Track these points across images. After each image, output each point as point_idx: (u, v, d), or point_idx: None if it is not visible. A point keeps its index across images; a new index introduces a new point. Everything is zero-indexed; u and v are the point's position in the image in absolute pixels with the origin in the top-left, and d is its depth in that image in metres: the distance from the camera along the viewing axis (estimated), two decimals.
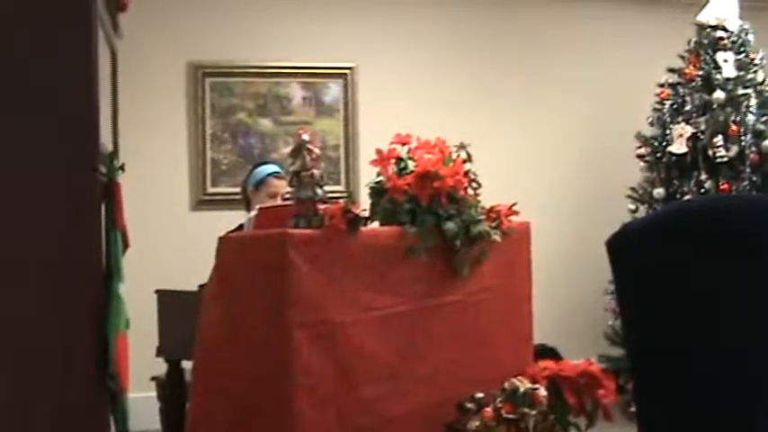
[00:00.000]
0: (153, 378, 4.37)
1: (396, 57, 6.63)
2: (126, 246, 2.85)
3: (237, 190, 5.23)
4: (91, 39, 2.49)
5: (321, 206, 3.04)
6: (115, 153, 2.99)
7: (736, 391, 2.35)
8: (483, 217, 3.44)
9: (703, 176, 5.87)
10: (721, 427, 2.38)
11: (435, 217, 3.25)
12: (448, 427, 3.16)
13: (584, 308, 6.64)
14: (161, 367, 4.17)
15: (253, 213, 3.55)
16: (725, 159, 5.81)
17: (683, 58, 6.26)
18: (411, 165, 3.29)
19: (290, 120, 6.37)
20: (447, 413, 3.18)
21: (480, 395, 3.21)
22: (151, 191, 5.87)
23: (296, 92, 6.42)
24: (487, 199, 3.53)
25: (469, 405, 3.17)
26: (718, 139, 5.82)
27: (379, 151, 3.33)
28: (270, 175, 4.70)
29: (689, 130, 5.96)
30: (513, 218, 3.59)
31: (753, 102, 5.97)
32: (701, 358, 2.38)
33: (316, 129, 6.28)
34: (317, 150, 3.14)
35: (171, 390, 4.15)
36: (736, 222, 2.40)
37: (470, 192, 3.44)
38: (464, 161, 3.40)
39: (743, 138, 5.84)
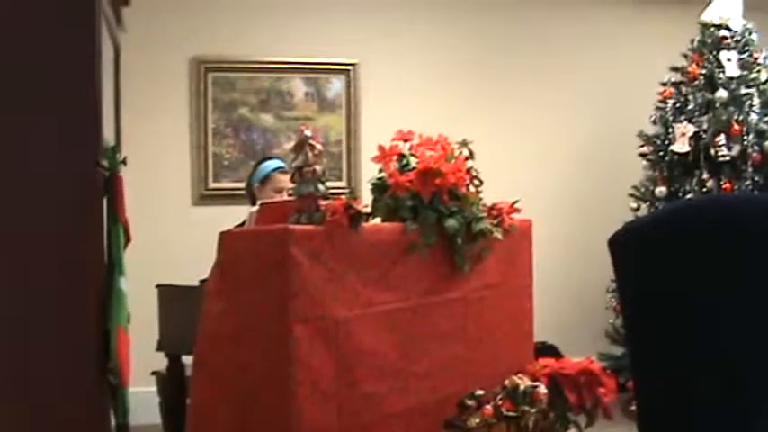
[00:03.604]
0: (153, 372, 4.37)
1: (398, 53, 6.63)
2: (128, 240, 2.86)
3: (239, 185, 5.23)
4: (94, 32, 2.49)
5: (323, 202, 3.04)
6: (117, 147, 3.00)
7: (735, 394, 2.35)
8: (485, 214, 3.44)
9: (705, 176, 5.86)
10: (723, 426, 2.38)
11: (437, 214, 3.25)
12: (448, 423, 3.16)
13: (585, 306, 6.64)
14: (161, 362, 4.17)
15: (254, 209, 3.55)
16: (727, 159, 5.80)
17: (686, 56, 6.24)
18: (413, 161, 3.29)
19: (293, 115, 6.37)
20: (447, 410, 3.18)
21: (481, 392, 3.20)
22: (153, 185, 5.87)
23: (298, 87, 6.42)
24: (489, 197, 3.53)
25: (470, 402, 3.17)
26: (721, 139, 5.81)
27: (381, 147, 3.33)
28: (274, 170, 4.72)
29: (691, 129, 5.95)
30: (514, 215, 3.60)
31: (755, 101, 5.95)
32: (699, 359, 2.38)
33: (318, 124, 6.28)
34: (319, 146, 3.14)
35: (171, 384, 4.15)
36: (737, 222, 2.40)
37: (472, 189, 3.44)
38: (466, 158, 3.40)
39: (745, 137, 5.83)
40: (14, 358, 2.28)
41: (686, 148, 5.96)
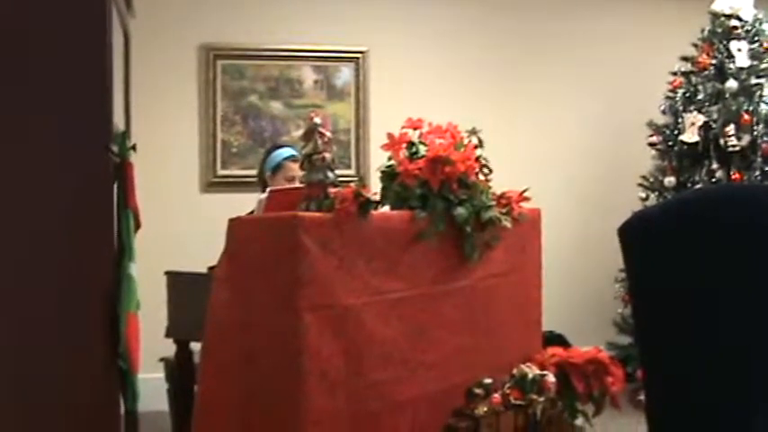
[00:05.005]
0: (161, 359, 4.38)
1: (407, 41, 6.62)
2: (137, 226, 2.86)
3: (248, 172, 5.23)
4: (105, 19, 2.49)
5: (332, 189, 3.03)
6: (127, 133, 3.00)
7: (738, 386, 2.34)
8: (494, 203, 3.43)
9: (715, 166, 5.85)
10: (724, 423, 2.37)
11: (446, 202, 3.24)
12: (456, 412, 3.17)
13: (593, 295, 6.64)
14: (170, 348, 4.18)
15: (263, 196, 3.55)
16: (737, 149, 5.79)
17: (696, 46, 6.22)
18: (422, 149, 3.28)
19: (302, 103, 6.37)
20: (455, 398, 3.19)
21: (489, 381, 3.21)
22: (162, 172, 5.87)
23: (307, 75, 6.42)
24: (498, 185, 3.53)
25: (478, 390, 3.18)
26: (731, 129, 5.80)
27: (390, 135, 3.32)
28: (286, 158, 4.70)
29: (701, 118, 5.94)
30: (523, 204, 3.59)
31: (766, 91, 5.93)
32: (701, 355, 2.37)
33: (327, 112, 6.27)
34: (328, 134, 3.13)
35: (179, 371, 4.16)
36: (746, 212, 2.39)
37: (481, 177, 3.43)
38: (475, 147, 3.40)
39: (755, 127, 5.81)
40: (24, 344, 2.29)
41: (696, 138, 5.95)
